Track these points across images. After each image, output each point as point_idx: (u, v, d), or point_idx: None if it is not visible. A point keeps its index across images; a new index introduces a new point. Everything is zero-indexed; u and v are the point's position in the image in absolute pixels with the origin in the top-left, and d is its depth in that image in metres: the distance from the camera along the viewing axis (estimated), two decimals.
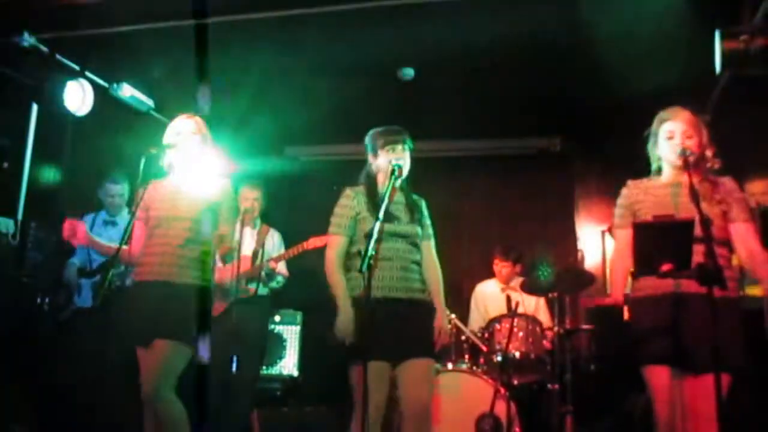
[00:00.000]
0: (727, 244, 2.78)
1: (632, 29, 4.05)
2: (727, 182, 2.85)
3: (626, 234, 2.83)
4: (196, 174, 3.24)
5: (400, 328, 2.93)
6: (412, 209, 3.15)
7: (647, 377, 2.73)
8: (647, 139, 2.97)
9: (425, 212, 3.24)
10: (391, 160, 3.05)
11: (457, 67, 4.67)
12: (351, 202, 3.10)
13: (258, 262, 4.65)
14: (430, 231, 3.25)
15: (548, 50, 4.35)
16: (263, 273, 4.57)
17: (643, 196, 2.89)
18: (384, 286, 2.96)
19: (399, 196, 3.15)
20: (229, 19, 3.98)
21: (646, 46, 4.18)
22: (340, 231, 3.07)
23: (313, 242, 4.56)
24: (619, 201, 2.99)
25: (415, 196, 3.25)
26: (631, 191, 2.95)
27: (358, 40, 4.34)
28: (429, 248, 3.21)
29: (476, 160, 6.08)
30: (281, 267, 4.77)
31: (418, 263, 3.11)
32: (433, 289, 3.14)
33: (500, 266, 5.21)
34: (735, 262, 2.85)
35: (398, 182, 3.10)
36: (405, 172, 3.12)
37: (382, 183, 3.12)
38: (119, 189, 4.70)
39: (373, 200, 3.06)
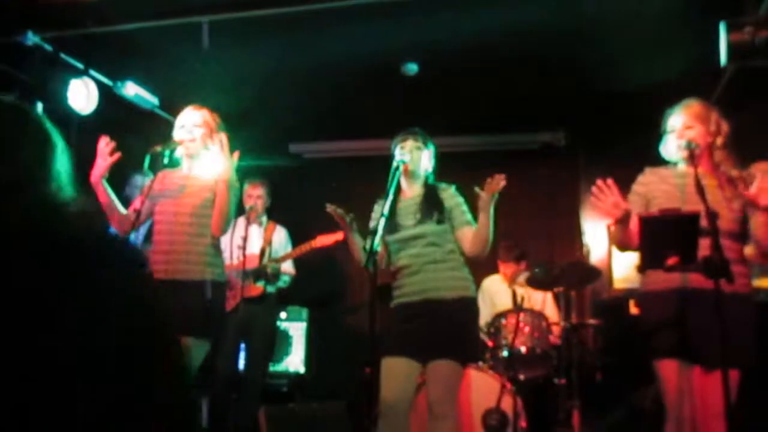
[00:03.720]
0: (741, 238, 2.75)
1: (636, 22, 4.04)
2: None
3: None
4: (201, 167, 3.23)
5: (418, 330, 2.94)
6: (431, 207, 3.07)
7: (657, 371, 2.73)
8: (660, 137, 2.96)
9: (452, 201, 3.12)
10: (397, 158, 3.05)
11: (461, 62, 4.65)
12: (377, 206, 3.12)
13: (265, 259, 4.65)
14: (464, 218, 3.10)
15: (552, 44, 4.33)
16: (269, 271, 4.57)
17: (659, 185, 2.87)
18: (403, 294, 3.01)
19: (414, 197, 3.12)
20: (233, 16, 3.99)
21: (650, 38, 4.17)
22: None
23: (321, 240, 4.55)
24: (635, 186, 2.95)
25: (442, 186, 3.16)
26: (649, 179, 2.92)
27: (361, 36, 4.32)
28: (464, 235, 3.06)
29: (481, 155, 6.05)
30: (288, 265, 4.77)
31: (440, 261, 3.03)
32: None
33: (503, 268, 5.18)
34: (748, 251, 2.81)
35: (412, 180, 3.11)
36: (418, 168, 3.10)
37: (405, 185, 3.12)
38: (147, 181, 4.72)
39: (394, 203, 3.02)
